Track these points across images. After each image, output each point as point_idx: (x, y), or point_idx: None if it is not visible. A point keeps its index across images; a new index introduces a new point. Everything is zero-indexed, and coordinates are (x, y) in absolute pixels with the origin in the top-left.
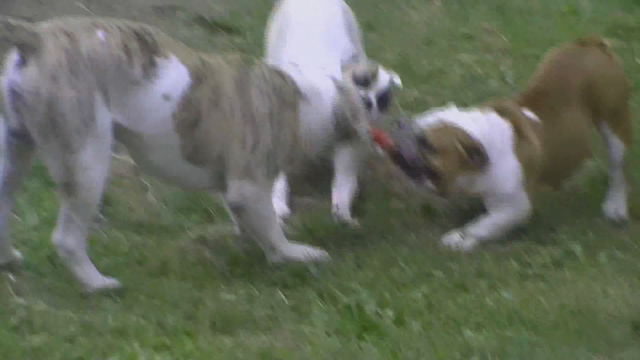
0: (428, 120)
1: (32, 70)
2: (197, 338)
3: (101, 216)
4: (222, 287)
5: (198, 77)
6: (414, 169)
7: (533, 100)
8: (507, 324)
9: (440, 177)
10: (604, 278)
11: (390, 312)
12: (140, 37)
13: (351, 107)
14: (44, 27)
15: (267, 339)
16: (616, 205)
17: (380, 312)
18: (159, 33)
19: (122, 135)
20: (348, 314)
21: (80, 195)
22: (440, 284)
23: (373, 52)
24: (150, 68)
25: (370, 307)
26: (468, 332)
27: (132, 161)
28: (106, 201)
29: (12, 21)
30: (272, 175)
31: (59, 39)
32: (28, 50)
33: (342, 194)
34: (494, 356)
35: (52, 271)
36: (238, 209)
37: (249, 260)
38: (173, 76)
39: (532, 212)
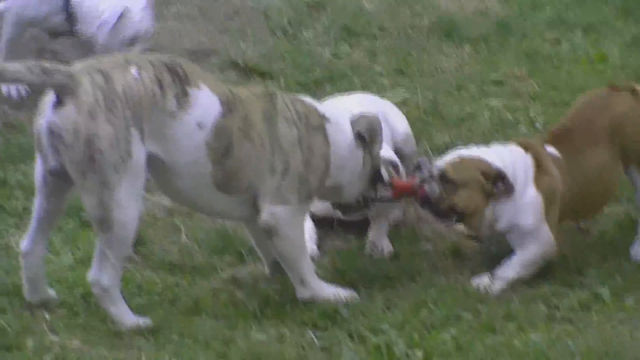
0: (447, 157)
1: (69, 109)
2: None
3: (134, 256)
4: (254, 327)
5: (228, 107)
6: (441, 209)
7: (558, 138)
8: None
9: (467, 213)
10: (630, 321)
11: (419, 353)
12: (171, 70)
13: (369, 128)
14: (78, 67)
15: None
16: None
17: (409, 353)
18: (188, 64)
19: (155, 166)
20: (377, 354)
21: (116, 232)
22: (469, 326)
23: (403, 94)
24: (183, 99)
25: (399, 348)
26: None
27: (165, 202)
28: (140, 241)
29: (47, 64)
30: (305, 200)
31: (93, 77)
32: (64, 90)
33: (379, 230)
34: None
35: (86, 309)
36: (270, 233)
37: (280, 301)
38: (205, 105)
39: (557, 248)
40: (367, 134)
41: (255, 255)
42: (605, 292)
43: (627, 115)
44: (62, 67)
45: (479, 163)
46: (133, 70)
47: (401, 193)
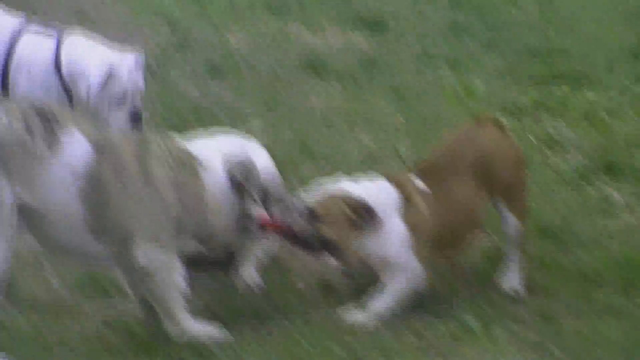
0: (314, 193)
1: None
2: None
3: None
4: None
5: (101, 151)
6: (310, 245)
7: (425, 172)
8: None
9: (336, 247)
10: (498, 350)
11: None
12: (41, 114)
13: (243, 171)
14: None
15: None
16: (511, 279)
17: None
18: (60, 108)
19: (26, 212)
20: None
21: None
22: (339, 359)
23: (272, 132)
24: (53, 143)
25: None
26: None
27: (31, 240)
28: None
29: None
30: (179, 242)
31: None
32: None
33: (247, 265)
34: None
35: None
36: (144, 274)
37: (152, 340)
38: (77, 150)
39: (427, 280)
40: (241, 178)
41: (122, 292)
42: (474, 322)
43: (491, 147)
44: None
45: (345, 197)
46: (1, 115)
47: (270, 231)
